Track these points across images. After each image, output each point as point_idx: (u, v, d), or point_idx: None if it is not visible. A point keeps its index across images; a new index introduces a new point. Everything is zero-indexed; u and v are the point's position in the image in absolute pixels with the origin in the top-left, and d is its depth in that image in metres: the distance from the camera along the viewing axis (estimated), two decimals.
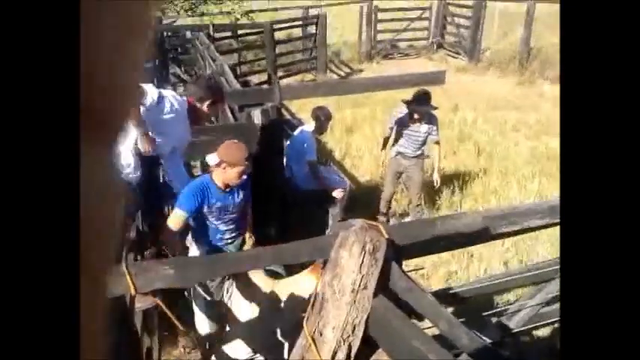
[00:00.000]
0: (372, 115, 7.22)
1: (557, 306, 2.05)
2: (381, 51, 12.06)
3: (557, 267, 2.18)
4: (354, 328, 1.37)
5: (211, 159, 2.67)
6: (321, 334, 1.37)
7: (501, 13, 11.92)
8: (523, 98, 8.43)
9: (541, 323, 2.58)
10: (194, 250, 2.73)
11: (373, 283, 1.36)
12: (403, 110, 4.19)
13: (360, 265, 1.35)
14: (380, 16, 11.79)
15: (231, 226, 2.74)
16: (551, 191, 4.91)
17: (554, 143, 6.29)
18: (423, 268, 3.14)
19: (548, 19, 11.09)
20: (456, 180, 5.19)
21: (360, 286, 1.35)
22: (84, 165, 0.17)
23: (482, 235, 1.64)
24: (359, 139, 6.76)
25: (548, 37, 10.79)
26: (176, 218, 2.51)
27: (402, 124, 4.21)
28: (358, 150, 6.39)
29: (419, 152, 4.31)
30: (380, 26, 11.89)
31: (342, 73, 11.06)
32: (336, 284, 1.38)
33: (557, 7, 10.75)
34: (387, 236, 1.47)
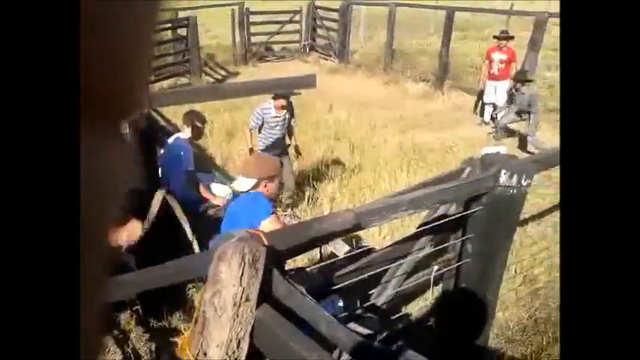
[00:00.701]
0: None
1: (416, 281, 2.28)
2: (256, 54, 12.08)
3: (412, 242, 2.40)
4: (239, 342, 1.35)
5: (244, 184, 2.38)
6: (205, 354, 1.32)
7: (366, 16, 12.73)
8: (389, 97, 9.10)
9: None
10: None
11: (255, 293, 1.36)
12: (265, 106, 4.41)
13: (241, 277, 1.34)
14: (252, 18, 11.79)
15: None
16: (417, 180, 5.39)
17: (418, 137, 6.90)
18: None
19: (409, 22, 12.12)
20: (335, 177, 5.43)
21: (241, 299, 1.34)
22: (84, 155, 0.18)
23: (356, 229, 1.74)
24: (240, 142, 6.69)
25: (409, 39, 11.81)
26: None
27: (268, 118, 4.44)
28: (240, 154, 6.33)
29: (285, 141, 4.64)
30: (253, 29, 11.90)
31: (218, 76, 10.83)
32: (217, 301, 1.35)
33: (415, 10, 11.81)
34: (267, 243, 1.48)
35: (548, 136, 6.65)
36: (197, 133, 3.96)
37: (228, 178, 5.50)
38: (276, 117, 4.44)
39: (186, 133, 3.91)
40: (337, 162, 5.95)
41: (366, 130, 7.17)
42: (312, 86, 3.21)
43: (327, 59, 12.02)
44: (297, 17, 12.66)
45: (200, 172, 4.18)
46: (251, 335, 1.37)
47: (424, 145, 6.58)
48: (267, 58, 12.32)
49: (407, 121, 7.64)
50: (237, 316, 1.34)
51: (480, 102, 7.64)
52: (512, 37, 6.95)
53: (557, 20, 12.01)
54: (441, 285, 2.50)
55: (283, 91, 4.12)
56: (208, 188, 3.96)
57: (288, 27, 12.64)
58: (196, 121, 3.89)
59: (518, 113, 6.24)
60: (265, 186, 2.39)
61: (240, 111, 7.69)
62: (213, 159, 6.19)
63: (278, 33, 12.52)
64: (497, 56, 6.96)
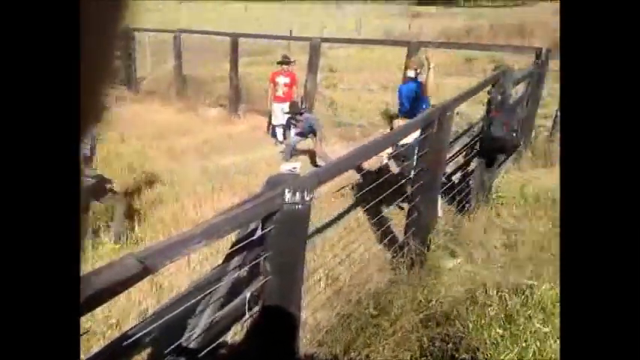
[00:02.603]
0: None
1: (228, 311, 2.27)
2: None
3: (221, 273, 2.39)
4: None
5: (412, 73, 5.07)
6: None
7: (152, 43, 12.25)
8: (188, 123, 8.92)
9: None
10: None
11: None
12: None
13: None
14: None
15: None
16: (225, 204, 5.38)
17: (223, 160, 6.94)
18: (87, 332, 2.90)
19: (197, 49, 12.10)
20: (136, 213, 5.04)
21: None
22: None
23: (145, 274, 1.62)
24: None
25: (201, 65, 11.80)
26: None
27: None
28: None
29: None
30: None
31: None
32: None
33: (202, 36, 11.83)
34: None
35: (337, 148, 7.44)
36: None
37: None
38: None
39: None
40: (135, 197, 5.54)
41: (165, 159, 6.87)
42: None
43: (112, 87, 11.13)
44: None
45: None
46: None
47: (229, 168, 6.63)
48: None
49: (210, 146, 7.60)
50: None
51: (271, 123, 8.08)
52: (292, 62, 7.58)
53: (331, 45, 13.54)
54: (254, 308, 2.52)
55: None
56: None
57: None
58: None
59: (301, 134, 6.83)
60: (420, 72, 4.94)
61: None
62: None
63: None
64: (281, 80, 7.49)
